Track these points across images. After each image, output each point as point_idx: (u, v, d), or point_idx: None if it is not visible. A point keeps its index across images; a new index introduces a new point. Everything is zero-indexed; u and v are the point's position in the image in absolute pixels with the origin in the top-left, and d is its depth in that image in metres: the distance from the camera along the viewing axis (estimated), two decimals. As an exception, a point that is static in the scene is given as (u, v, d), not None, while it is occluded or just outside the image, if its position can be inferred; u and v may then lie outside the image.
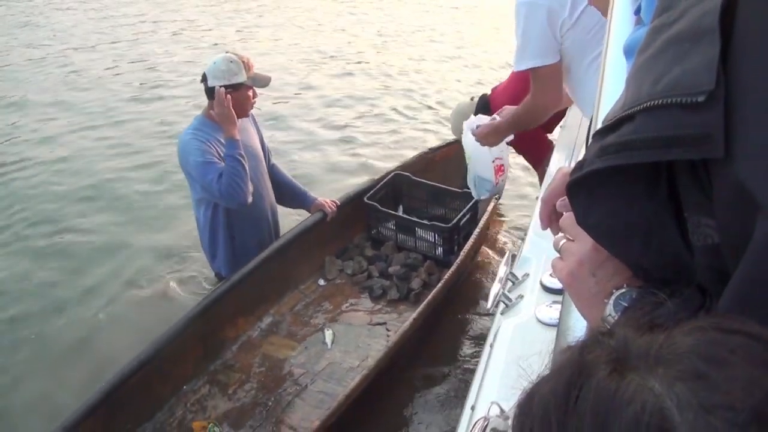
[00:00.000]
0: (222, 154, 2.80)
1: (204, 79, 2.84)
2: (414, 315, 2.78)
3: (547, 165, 2.73)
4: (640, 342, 0.37)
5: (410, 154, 4.54)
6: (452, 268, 3.09)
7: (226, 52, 2.89)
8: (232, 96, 2.79)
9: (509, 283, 1.77)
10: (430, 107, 6.41)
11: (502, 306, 1.71)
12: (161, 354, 2.64)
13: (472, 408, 1.44)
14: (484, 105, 3.44)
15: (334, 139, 5.68)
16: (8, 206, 4.51)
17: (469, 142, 2.92)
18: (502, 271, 1.76)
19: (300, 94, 6.72)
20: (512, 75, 3.40)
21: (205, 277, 3.57)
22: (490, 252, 3.90)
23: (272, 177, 3.27)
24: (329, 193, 3.84)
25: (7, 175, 5.00)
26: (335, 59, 7.90)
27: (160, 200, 4.50)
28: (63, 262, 3.86)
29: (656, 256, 0.51)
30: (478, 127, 2.78)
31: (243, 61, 2.83)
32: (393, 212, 3.73)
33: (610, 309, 0.55)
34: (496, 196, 3.67)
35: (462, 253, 3.19)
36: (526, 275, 1.80)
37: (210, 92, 2.83)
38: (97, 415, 2.39)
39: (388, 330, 3.16)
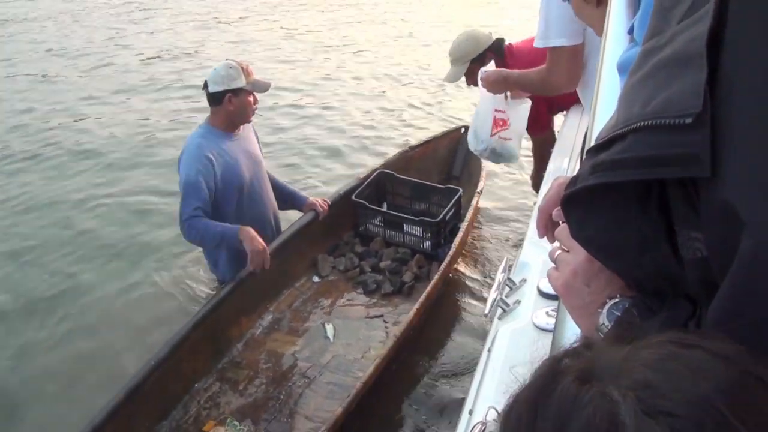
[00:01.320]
0: (222, 161, 2.90)
1: (206, 86, 2.91)
2: (416, 305, 2.94)
3: (544, 170, 2.84)
4: (609, 354, 0.40)
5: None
6: (446, 260, 3.26)
7: (226, 60, 2.97)
8: (232, 101, 2.88)
9: (507, 289, 1.79)
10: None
11: (499, 311, 1.74)
12: (175, 354, 2.72)
13: (470, 412, 1.47)
14: (499, 47, 3.35)
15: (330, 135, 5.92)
16: None
17: (481, 91, 2.88)
18: (499, 276, 1.79)
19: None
20: None
21: (206, 282, 3.65)
22: (476, 247, 4.10)
23: None
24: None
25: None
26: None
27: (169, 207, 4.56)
28: (62, 269, 3.89)
29: (648, 268, 0.53)
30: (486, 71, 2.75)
31: (242, 67, 2.91)
32: (381, 209, 3.88)
33: (603, 318, 0.57)
34: (478, 191, 3.87)
35: (453, 246, 3.36)
36: (524, 280, 1.82)
37: (212, 98, 2.92)
38: (120, 415, 2.45)
39: (386, 322, 3.31)
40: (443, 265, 3.24)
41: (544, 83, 2.43)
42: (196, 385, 2.89)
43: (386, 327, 3.27)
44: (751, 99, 0.41)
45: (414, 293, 3.44)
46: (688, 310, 0.50)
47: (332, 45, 9.06)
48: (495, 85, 2.71)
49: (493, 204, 4.58)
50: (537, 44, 2.28)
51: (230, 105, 2.91)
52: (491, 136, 2.87)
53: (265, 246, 2.95)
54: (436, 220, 3.63)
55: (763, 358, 0.38)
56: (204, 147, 2.87)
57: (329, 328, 3.24)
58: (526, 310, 1.66)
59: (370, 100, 6.88)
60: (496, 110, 2.81)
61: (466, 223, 3.57)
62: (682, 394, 0.34)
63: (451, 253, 3.32)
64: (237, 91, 2.90)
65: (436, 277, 3.15)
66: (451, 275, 3.62)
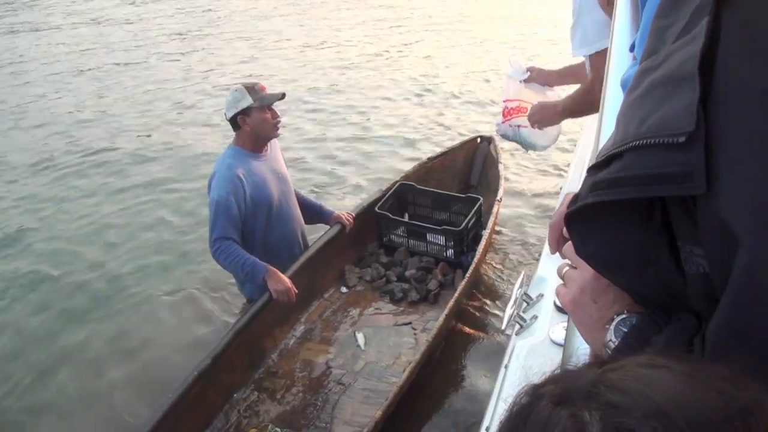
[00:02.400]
0: (251, 180, 3.01)
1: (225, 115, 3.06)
2: (446, 311, 3.03)
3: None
4: (582, 378, 0.41)
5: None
6: (472, 266, 3.35)
7: (233, 85, 3.08)
8: (246, 121, 3.00)
9: (524, 304, 1.81)
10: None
11: (516, 327, 1.76)
12: (215, 366, 2.81)
13: (487, 429, 1.50)
14: None
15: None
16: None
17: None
18: (516, 291, 1.81)
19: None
20: None
21: (234, 301, 3.76)
22: (498, 257, 4.18)
23: None
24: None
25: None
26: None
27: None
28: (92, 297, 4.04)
29: (652, 283, 0.53)
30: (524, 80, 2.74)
31: (247, 87, 3.01)
32: (405, 220, 3.98)
33: (611, 334, 0.57)
34: (498, 199, 3.95)
35: (477, 252, 3.45)
36: (541, 295, 1.84)
37: (231, 124, 3.06)
38: (165, 426, 2.54)
39: (414, 329, 3.39)
40: (469, 270, 3.33)
41: (588, 95, 2.25)
42: (235, 396, 2.99)
43: (415, 334, 3.35)
44: (744, 117, 0.42)
45: (440, 300, 3.53)
46: (694, 325, 0.51)
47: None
48: (545, 118, 2.58)
49: (512, 214, 4.67)
50: (577, 53, 2.18)
51: (246, 125, 3.01)
52: (502, 123, 2.93)
53: (289, 284, 3.03)
54: (459, 228, 3.72)
55: (734, 375, 0.38)
56: (234, 167, 2.98)
57: (360, 336, 3.33)
58: (543, 326, 1.70)
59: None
60: (506, 100, 2.87)
61: (488, 230, 3.66)
62: (641, 411, 0.35)
63: (476, 259, 3.41)
64: (246, 111, 2.99)
65: (463, 282, 3.24)
66: (474, 283, 3.69)
